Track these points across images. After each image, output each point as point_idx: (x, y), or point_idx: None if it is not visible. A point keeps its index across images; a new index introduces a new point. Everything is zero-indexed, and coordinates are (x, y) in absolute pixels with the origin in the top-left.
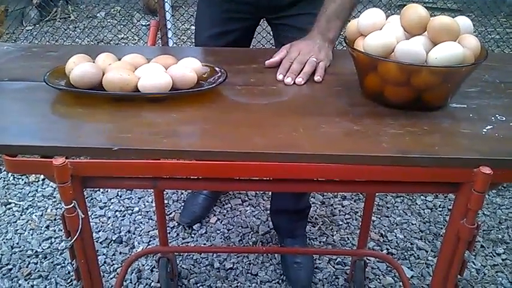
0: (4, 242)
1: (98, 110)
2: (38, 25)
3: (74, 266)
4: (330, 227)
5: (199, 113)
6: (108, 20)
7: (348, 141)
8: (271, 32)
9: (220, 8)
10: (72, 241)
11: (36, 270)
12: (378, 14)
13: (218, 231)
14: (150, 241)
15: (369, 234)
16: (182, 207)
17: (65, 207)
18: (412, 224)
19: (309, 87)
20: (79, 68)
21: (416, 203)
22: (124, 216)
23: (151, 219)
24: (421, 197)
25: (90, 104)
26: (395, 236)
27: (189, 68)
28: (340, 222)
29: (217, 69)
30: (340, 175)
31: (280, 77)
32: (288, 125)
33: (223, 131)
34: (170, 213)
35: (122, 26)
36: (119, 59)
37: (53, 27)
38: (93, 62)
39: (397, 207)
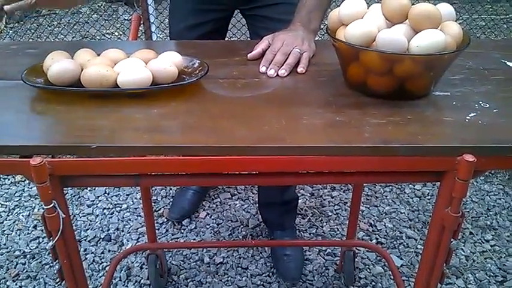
0: None
1: (77, 107)
2: (22, 22)
3: (56, 267)
4: (320, 219)
5: (181, 108)
6: (92, 15)
7: (331, 132)
8: (245, 24)
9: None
10: (53, 242)
11: (24, 270)
12: (359, 3)
13: (208, 226)
14: (139, 238)
15: (358, 224)
16: (171, 203)
17: (45, 207)
18: (401, 213)
19: (292, 79)
20: (57, 65)
21: (405, 192)
22: (112, 213)
23: (140, 215)
24: (410, 185)
25: (69, 102)
26: (385, 226)
27: (169, 62)
28: (330, 213)
29: (198, 62)
30: (323, 167)
31: (263, 69)
32: (271, 117)
33: (206, 125)
34: (159, 209)
35: (105, 21)
36: (98, 55)
37: (37, 24)
38: (72, 59)
39: (386, 196)
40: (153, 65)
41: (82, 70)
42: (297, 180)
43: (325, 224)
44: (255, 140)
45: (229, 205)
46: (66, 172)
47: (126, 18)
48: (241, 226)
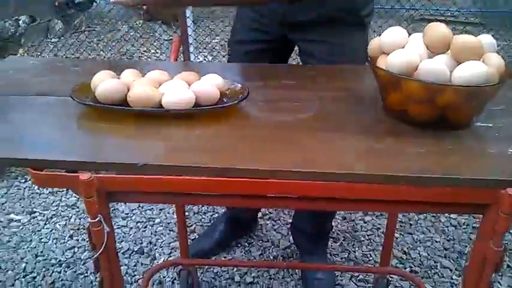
0: (28, 251)
1: (123, 126)
2: (62, 37)
3: (98, 278)
4: (352, 243)
5: (221, 129)
6: (131, 33)
7: (369, 159)
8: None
9: (248, 17)
10: (97, 254)
11: (60, 279)
12: (400, 32)
13: (239, 245)
14: (171, 252)
15: (391, 251)
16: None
17: (91, 221)
18: (436, 242)
19: (331, 104)
20: (104, 84)
21: (440, 220)
22: (145, 227)
23: (173, 230)
24: (445, 214)
25: (115, 120)
26: (419, 254)
27: (211, 85)
28: (362, 238)
29: (239, 85)
30: (360, 194)
31: None
32: (309, 142)
33: (245, 147)
34: (191, 225)
35: (144, 40)
36: (143, 75)
37: (78, 40)
38: (118, 78)
39: (420, 224)
40: (196, 87)
41: (128, 90)
42: (331, 206)
43: (357, 249)
44: (293, 164)
45: (261, 225)
46: (113, 188)
47: (165, 37)
48: (272, 247)
